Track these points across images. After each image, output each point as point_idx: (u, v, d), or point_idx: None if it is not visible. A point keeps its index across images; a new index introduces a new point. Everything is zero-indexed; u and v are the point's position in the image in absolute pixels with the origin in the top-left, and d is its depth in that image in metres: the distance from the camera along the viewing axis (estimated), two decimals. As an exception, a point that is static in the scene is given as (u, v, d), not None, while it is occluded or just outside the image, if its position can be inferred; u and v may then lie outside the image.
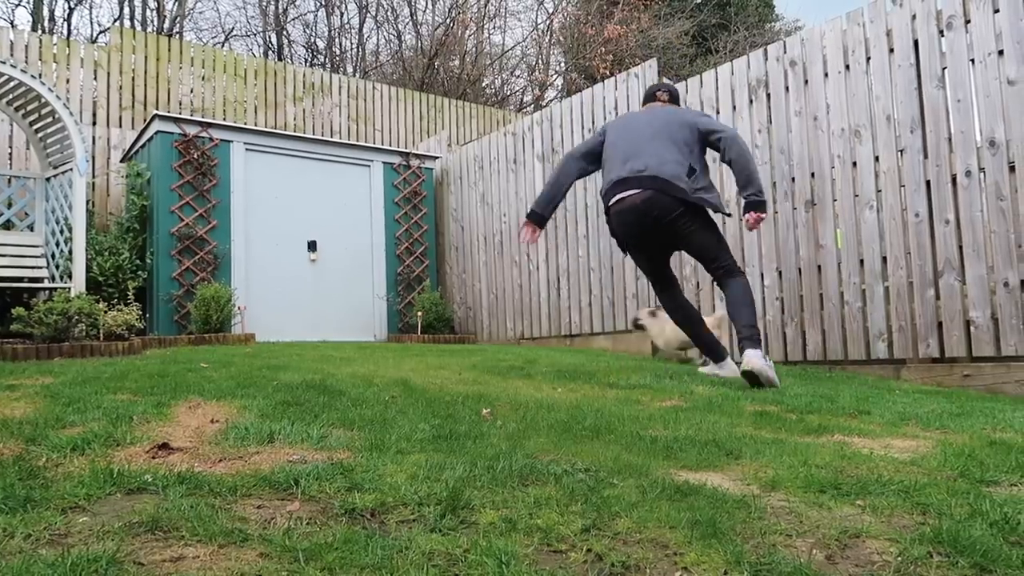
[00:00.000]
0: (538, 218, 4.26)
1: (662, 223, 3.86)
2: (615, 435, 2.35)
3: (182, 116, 7.17)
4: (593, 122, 6.48)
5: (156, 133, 6.66)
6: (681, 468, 1.97)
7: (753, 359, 3.55)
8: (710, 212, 3.95)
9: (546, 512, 1.55)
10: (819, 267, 4.73)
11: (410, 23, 17.37)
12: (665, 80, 5.48)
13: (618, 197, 3.97)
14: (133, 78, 8.41)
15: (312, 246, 7.38)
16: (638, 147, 3.99)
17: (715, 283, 4.19)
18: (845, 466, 1.97)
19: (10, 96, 5.98)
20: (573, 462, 1.95)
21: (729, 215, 4.33)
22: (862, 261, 4.52)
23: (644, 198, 3.85)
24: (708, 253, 3.97)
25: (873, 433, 2.49)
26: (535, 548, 1.38)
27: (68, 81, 7.88)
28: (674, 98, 4.36)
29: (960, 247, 4.07)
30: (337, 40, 18.03)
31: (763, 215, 3.82)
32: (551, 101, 17.18)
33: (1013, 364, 3.85)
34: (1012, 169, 3.89)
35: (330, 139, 7.98)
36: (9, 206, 6.49)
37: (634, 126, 4.14)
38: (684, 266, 5.57)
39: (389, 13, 17.48)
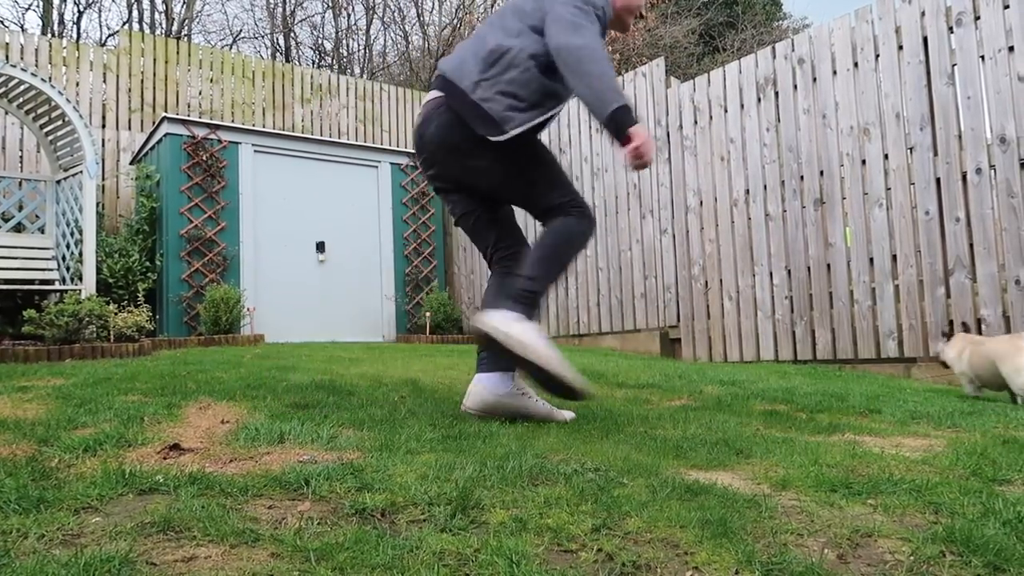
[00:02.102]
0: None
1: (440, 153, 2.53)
2: (624, 434, 2.34)
3: (191, 118, 7.20)
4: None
5: (165, 135, 6.69)
6: (691, 467, 1.96)
7: (489, 317, 2.33)
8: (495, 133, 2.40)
9: (556, 512, 1.55)
10: (828, 266, 4.71)
11: (417, 24, 17.39)
12: None
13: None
14: (142, 81, 8.45)
15: (320, 247, 7.39)
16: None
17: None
18: (856, 465, 1.96)
19: (21, 99, 6.02)
20: (583, 461, 1.95)
21: (502, 136, 2.41)
22: (872, 259, 4.50)
23: (423, 113, 2.56)
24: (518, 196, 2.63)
25: (884, 432, 2.48)
26: (545, 548, 1.38)
27: (78, 84, 7.93)
28: None
29: (971, 245, 4.05)
30: (344, 41, 18.08)
31: (635, 142, 2.23)
32: (558, 101, 17.14)
33: (1025, 362, 3.82)
34: (1023, 166, 3.86)
35: (338, 140, 8.00)
36: (20, 209, 6.53)
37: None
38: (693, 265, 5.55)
39: (396, 14, 17.52)
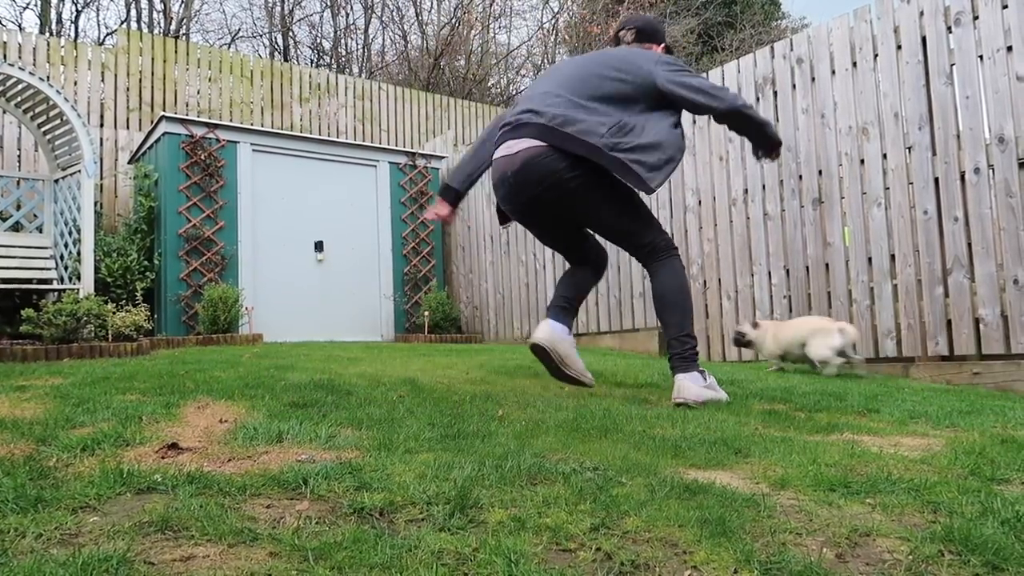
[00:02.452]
0: (453, 195, 3.32)
1: (548, 192, 2.91)
2: (623, 434, 2.34)
3: (189, 117, 7.20)
4: (599, 121, 6.47)
5: (163, 134, 6.68)
6: (690, 467, 1.96)
7: (684, 387, 2.92)
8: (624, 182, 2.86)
9: (555, 511, 1.55)
10: (827, 265, 4.72)
11: (415, 23, 17.39)
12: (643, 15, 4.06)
13: (499, 154, 3.04)
14: (140, 80, 8.45)
15: (319, 246, 7.39)
16: (544, 86, 3.03)
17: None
18: (855, 464, 1.96)
19: (18, 98, 6.02)
20: (581, 461, 1.95)
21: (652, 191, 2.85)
22: (870, 259, 4.50)
23: (525, 155, 2.90)
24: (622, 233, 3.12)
25: (882, 431, 2.48)
26: (544, 547, 1.38)
27: (76, 83, 7.92)
28: (644, 36, 3.25)
29: (969, 244, 4.05)
30: (343, 41, 18.08)
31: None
32: (557, 100, 17.13)
33: (1023, 362, 3.82)
34: (1021, 166, 3.87)
35: (336, 139, 8.00)
36: (18, 208, 6.53)
37: (559, 66, 3.17)
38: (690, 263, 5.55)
39: (395, 13, 17.52)
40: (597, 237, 3.32)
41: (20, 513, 1.46)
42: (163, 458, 1.93)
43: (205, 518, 1.45)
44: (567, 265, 3.38)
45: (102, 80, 8.18)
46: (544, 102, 2.93)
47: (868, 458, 2.04)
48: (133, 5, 16.69)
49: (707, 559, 1.34)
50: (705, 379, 3.00)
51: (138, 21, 16.72)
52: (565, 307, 3.15)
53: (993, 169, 3.98)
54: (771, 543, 1.42)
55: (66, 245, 6.11)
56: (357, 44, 18.26)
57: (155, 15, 16.83)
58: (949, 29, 4.19)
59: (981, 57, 4.04)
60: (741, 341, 4.53)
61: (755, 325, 4.48)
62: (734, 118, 3.00)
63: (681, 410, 2.83)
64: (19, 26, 16.31)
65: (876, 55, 4.52)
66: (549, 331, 3.04)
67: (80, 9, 16.55)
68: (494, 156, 3.08)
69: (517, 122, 2.97)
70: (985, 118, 4.04)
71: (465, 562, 1.31)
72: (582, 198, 2.93)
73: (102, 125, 8.05)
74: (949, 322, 4.11)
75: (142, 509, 1.51)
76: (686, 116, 5.70)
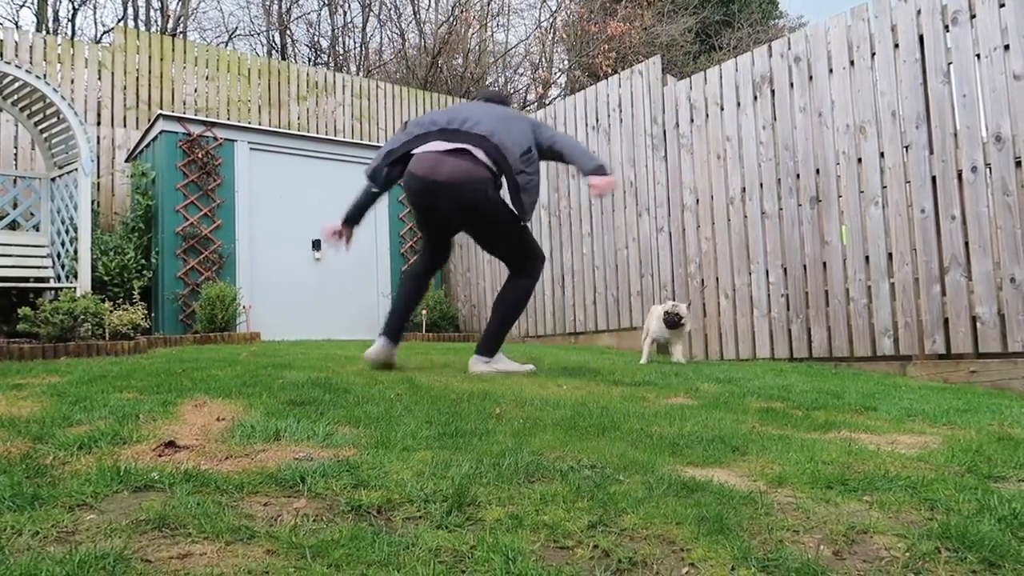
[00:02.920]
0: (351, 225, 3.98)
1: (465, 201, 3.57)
2: (621, 432, 2.34)
3: (186, 116, 7.19)
4: (596, 119, 6.47)
5: (160, 133, 6.67)
6: (687, 464, 1.97)
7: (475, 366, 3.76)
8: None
9: (552, 508, 1.55)
10: (824, 264, 4.72)
11: (413, 22, 17.37)
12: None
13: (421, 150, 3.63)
14: (137, 78, 8.43)
15: (316, 245, 7.38)
16: (461, 113, 3.68)
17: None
18: (852, 462, 1.97)
19: (15, 97, 6.00)
20: (579, 459, 1.95)
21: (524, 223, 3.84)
22: (867, 257, 4.51)
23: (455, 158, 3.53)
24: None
25: (880, 429, 2.49)
26: (541, 544, 1.38)
27: (73, 81, 7.90)
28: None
29: (966, 243, 4.05)
30: (340, 39, 18.05)
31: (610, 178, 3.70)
32: (554, 99, 17.16)
33: (1020, 360, 3.83)
34: (1018, 164, 3.87)
35: (334, 138, 7.98)
36: (15, 206, 6.51)
37: (456, 107, 3.84)
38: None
39: (392, 12, 17.48)
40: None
41: (17, 511, 1.46)
42: (160, 456, 1.92)
43: (202, 516, 1.44)
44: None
45: (99, 78, 8.16)
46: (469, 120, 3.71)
47: (865, 456, 2.04)
48: (130, 3, 16.65)
49: (705, 556, 1.34)
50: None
51: (135, 19, 16.68)
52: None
53: (990, 168, 3.99)
54: (768, 540, 1.42)
55: (63, 243, 6.10)
56: (355, 42, 18.25)
57: (152, 13, 16.80)
58: (946, 28, 4.19)
59: (978, 56, 4.05)
60: (676, 323, 4.51)
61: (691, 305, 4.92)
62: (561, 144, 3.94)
63: (679, 408, 2.84)
64: (16, 24, 16.27)
65: (874, 54, 4.53)
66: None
67: (77, 7, 16.51)
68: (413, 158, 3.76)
69: (448, 128, 3.74)
70: (982, 116, 4.04)
71: (463, 559, 1.31)
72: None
73: (99, 123, 8.03)
74: (946, 320, 4.12)
75: (139, 507, 1.51)
76: (684, 117, 5.71)
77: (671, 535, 1.43)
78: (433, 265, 3.98)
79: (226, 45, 17.60)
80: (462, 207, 3.56)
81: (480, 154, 3.52)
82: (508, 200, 3.66)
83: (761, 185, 5.10)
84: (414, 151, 3.62)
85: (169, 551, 1.31)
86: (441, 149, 3.54)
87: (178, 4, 16.74)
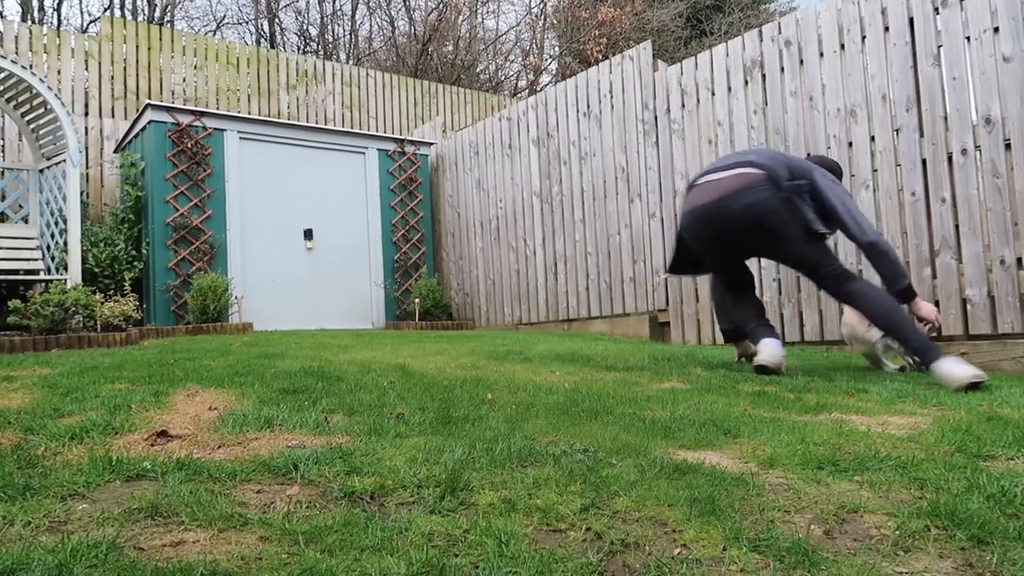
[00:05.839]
0: None
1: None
2: (613, 416, 2.35)
3: (175, 105, 7.13)
4: (588, 106, 6.45)
5: (149, 123, 6.62)
6: (679, 447, 1.97)
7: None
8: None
9: (545, 492, 1.55)
10: (816, 248, 4.72)
11: (403, 9, 17.26)
12: None
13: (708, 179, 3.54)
14: (125, 68, 8.36)
15: (308, 234, 7.36)
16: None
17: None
18: (843, 443, 1.98)
19: (1, 88, 5.94)
20: (571, 443, 1.96)
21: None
22: (859, 241, 4.52)
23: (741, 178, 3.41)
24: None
25: (870, 411, 2.50)
26: (534, 527, 1.39)
27: (59, 72, 7.83)
28: None
29: (956, 226, 4.07)
30: (330, 27, 17.93)
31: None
32: (546, 85, 17.11)
33: (1010, 341, 3.86)
34: (1008, 147, 3.88)
35: (324, 127, 7.94)
36: (3, 198, 6.47)
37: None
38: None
39: (381, -1, 17.37)
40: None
41: (8, 502, 1.46)
42: (152, 446, 1.92)
43: (195, 504, 1.44)
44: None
45: (86, 68, 8.08)
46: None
47: (856, 437, 2.06)
48: (116, -8, 16.48)
49: (697, 537, 1.35)
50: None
51: (121, 8, 16.51)
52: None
53: (980, 150, 4.00)
54: (760, 521, 1.43)
55: (52, 235, 6.06)
56: (344, 30, 18.12)
57: (139, 2, 16.63)
58: (936, 10, 4.19)
59: (968, 38, 4.05)
60: None
61: None
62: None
63: (671, 393, 2.85)
64: (0, 14, 16.09)
65: (864, 37, 4.52)
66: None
67: (62, -4, 16.33)
68: (694, 188, 3.65)
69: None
70: (972, 99, 4.05)
71: (456, 543, 1.31)
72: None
73: (87, 114, 7.96)
74: (937, 303, 4.14)
75: (131, 496, 1.51)
76: (675, 103, 5.69)
77: (663, 517, 1.44)
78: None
79: (214, 34, 17.45)
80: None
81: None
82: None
83: (752, 170, 5.09)
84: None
85: (162, 539, 1.31)
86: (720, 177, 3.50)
87: (165, -7, 16.57)
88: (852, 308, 3.51)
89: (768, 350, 3.39)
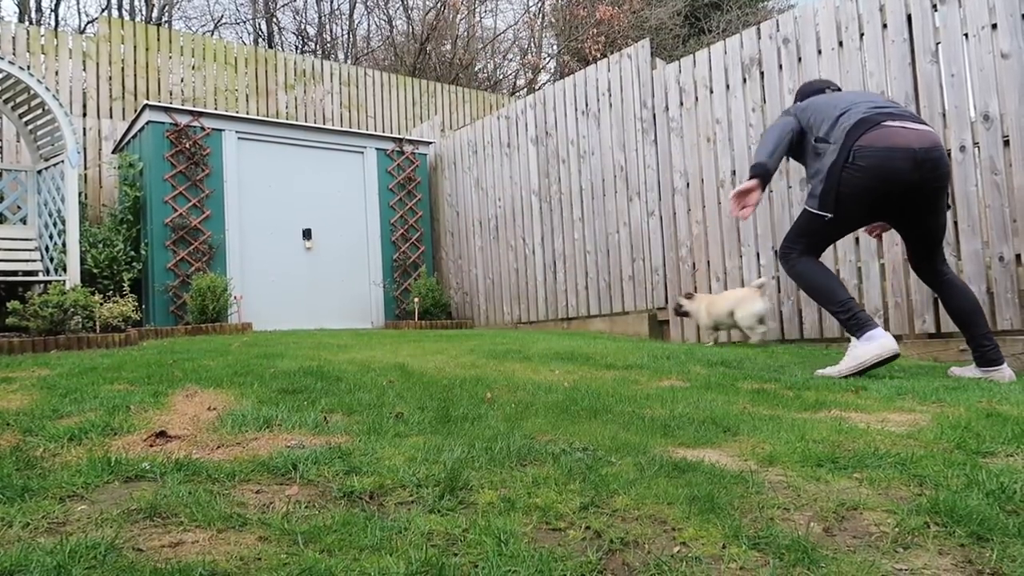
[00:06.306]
0: (763, 171, 3.45)
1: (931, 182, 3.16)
2: (612, 415, 2.35)
3: (173, 106, 7.12)
4: (586, 104, 6.45)
5: (147, 123, 6.62)
6: (679, 445, 1.97)
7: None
8: None
9: (544, 491, 1.55)
10: (815, 245, 4.72)
11: (401, 8, 17.25)
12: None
13: (900, 125, 3.16)
14: (123, 68, 8.35)
15: (307, 234, 7.35)
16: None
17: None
18: (842, 440, 1.98)
19: (-2, 88, 5.94)
20: (571, 441, 1.95)
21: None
22: (857, 238, 4.51)
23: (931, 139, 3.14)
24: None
25: (870, 408, 2.50)
26: (534, 526, 1.39)
27: (57, 72, 7.82)
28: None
29: (955, 222, 4.07)
30: (328, 27, 17.91)
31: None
32: (544, 84, 17.10)
33: (1008, 338, 3.86)
34: (1006, 143, 3.88)
35: (322, 126, 7.93)
36: (1, 200, 6.46)
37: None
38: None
39: (379, -2, 17.35)
40: None
41: (6, 503, 1.46)
42: (151, 446, 1.92)
43: (194, 504, 1.44)
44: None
45: (84, 69, 8.07)
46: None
47: (855, 434, 2.06)
48: (114, -8, 16.46)
49: (696, 535, 1.35)
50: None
51: (119, 9, 16.49)
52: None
53: (978, 147, 4.00)
54: (759, 518, 1.43)
55: (51, 236, 6.05)
56: (342, 30, 18.10)
57: (137, 2, 16.61)
58: (934, 7, 4.19)
59: (966, 35, 4.04)
60: (679, 311, 5.15)
61: (689, 296, 5.09)
62: None
63: (671, 391, 2.84)
64: (-2, 15, 16.06)
65: (862, 34, 4.52)
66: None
67: (60, -3, 16.30)
68: (890, 128, 3.16)
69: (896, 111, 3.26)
70: (970, 96, 4.05)
71: (455, 542, 1.31)
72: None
73: (85, 115, 7.95)
74: (936, 300, 4.14)
75: (130, 497, 1.50)
76: (673, 101, 5.69)
77: (663, 515, 1.44)
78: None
79: (212, 34, 17.44)
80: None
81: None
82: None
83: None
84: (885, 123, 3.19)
85: (161, 539, 1.31)
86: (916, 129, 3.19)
87: (162, -7, 16.55)
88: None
89: (887, 337, 3.22)
